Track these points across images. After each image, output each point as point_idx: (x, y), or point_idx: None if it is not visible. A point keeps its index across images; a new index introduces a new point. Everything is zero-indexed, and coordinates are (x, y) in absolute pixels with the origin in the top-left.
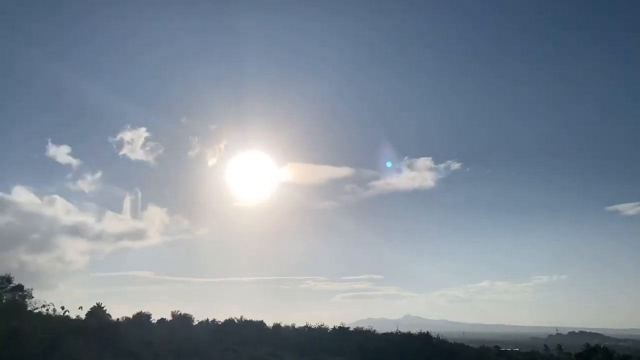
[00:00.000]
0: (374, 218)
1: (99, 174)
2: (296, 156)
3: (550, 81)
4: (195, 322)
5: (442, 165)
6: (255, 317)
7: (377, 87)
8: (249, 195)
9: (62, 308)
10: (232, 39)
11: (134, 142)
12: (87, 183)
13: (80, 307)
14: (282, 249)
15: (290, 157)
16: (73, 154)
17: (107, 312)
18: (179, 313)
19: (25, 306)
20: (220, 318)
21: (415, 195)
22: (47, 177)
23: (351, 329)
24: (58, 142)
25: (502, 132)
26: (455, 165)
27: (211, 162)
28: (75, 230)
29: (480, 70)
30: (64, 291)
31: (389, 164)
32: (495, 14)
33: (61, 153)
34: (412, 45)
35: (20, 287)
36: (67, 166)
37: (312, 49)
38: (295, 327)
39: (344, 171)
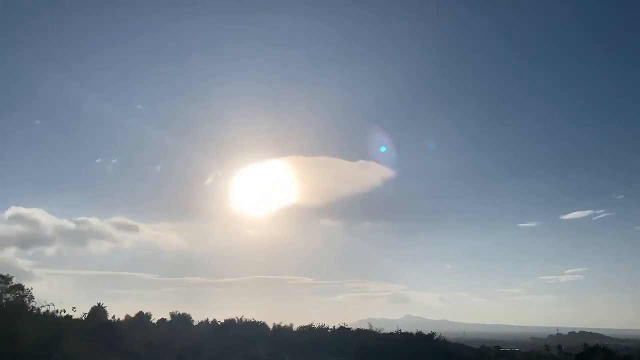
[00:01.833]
0: (375, 217)
1: None
2: (297, 152)
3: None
4: (195, 323)
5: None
6: (255, 317)
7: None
8: (252, 199)
9: (65, 311)
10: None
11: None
12: None
13: (73, 308)
14: (283, 250)
15: (291, 155)
16: None
17: (107, 312)
18: (178, 313)
19: (26, 306)
20: (220, 318)
21: (419, 194)
22: None
23: (351, 329)
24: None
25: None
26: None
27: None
28: None
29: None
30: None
31: (383, 149)
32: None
33: None
34: (415, 45)
35: (20, 287)
36: None
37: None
38: (296, 327)
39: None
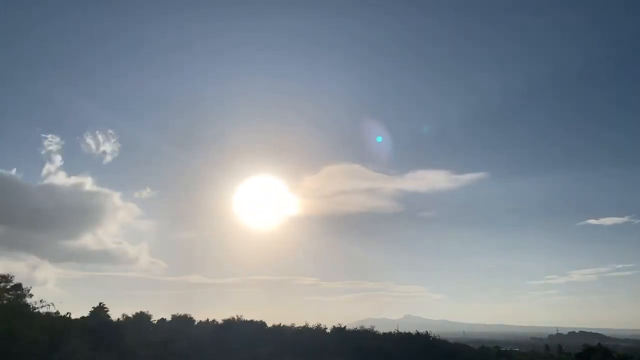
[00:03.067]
0: (376, 218)
1: None
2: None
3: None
4: (196, 323)
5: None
6: (255, 317)
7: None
8: (255, 201)
9: (63, 312)
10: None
11: None
12: None
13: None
14: (283, 251)
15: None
16: None
17: (108, 312)
18: (179, 313)
19: (26, 306)
20: (220, 318)
21: (426, 198)
22: None
23: (351, 329)
24: None
25: None
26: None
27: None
28: None
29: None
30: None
31: (379, 139)
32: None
33: None
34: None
35: (19, 286)
36: None
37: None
38: (295, 327)
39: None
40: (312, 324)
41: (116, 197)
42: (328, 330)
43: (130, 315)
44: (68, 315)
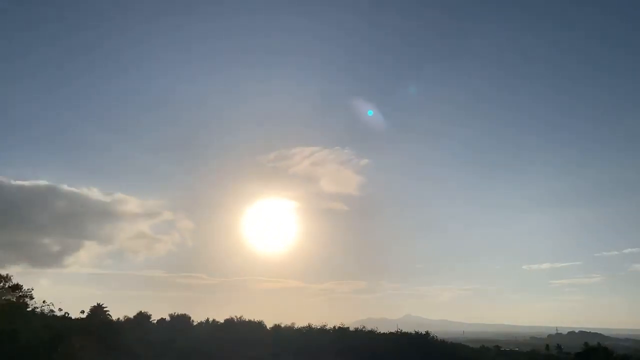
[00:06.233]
0: (375, 215)
1: None
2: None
3: None
4: (195, 323)
5: None
6: (255, 317)
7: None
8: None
9: (60, 310)
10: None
11: None
12: None
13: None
14: (282, 250)
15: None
16: None
17: (108, 312)
18: (178, 313)
19: (26, 306)
20: (220, 318)
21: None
22: None
23: (351, 329)
24: None
25: None
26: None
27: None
28: None
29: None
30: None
31: (370, 113)
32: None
33: None
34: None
35: (18, 287)
36: None
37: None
38: (295, 327)
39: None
40: (312, 324)
41: None
42: (329, 331)
43: (130, 315)
44: (68, 315)
